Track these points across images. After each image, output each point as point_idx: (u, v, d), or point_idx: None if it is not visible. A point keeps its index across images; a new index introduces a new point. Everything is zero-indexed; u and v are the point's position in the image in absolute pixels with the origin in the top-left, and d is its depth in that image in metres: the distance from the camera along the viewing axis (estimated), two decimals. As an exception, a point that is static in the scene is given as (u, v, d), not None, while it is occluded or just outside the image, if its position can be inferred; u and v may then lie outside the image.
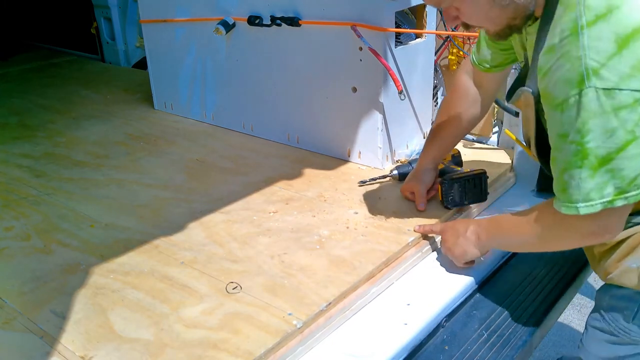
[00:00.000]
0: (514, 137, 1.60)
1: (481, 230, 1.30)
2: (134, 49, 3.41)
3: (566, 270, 1.38)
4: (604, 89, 0.91)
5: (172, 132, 2.27)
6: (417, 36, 1.86)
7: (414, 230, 1.44)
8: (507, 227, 1.25)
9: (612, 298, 1.22)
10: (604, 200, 0.97)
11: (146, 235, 1.49)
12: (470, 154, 1.90)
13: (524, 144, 1.30)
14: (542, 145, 1.18)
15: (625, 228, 1.12)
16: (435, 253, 1.46)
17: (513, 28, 1.09)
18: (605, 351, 1.25)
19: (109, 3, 3.31)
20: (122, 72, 3.29)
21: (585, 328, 1.30)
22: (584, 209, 0.99)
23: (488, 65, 1.42)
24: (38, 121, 2.44)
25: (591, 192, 0.98)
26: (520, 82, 1.22)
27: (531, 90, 1.11)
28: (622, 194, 0.97)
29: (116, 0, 3.32)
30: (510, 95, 1.26)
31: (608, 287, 1.22)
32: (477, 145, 1.99)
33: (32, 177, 1.88)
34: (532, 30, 1.11)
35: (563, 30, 0.96)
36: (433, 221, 1.49)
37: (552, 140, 1.04)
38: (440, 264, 1.41)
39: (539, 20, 1.06)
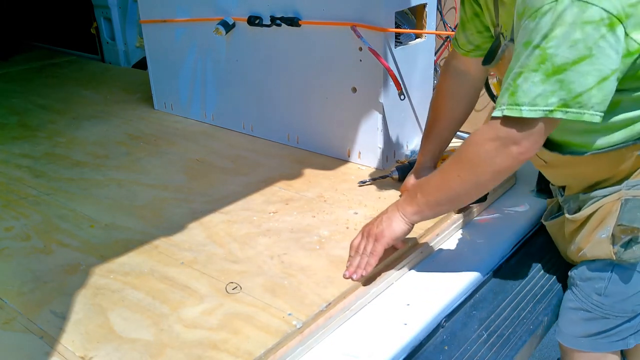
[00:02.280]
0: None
1: (402, 203, 1.24)
2: (134, 49, 3.41)
3: (566, 270, 1.38)
4: (578, 0, 0.94)
5: (172, 132, 2.27)
6: (417, 36, 1.86)
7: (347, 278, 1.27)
8: (432, 183, 1.20)
9: (583, 273, 1.27)
10: (546, 108, 0.99)
11: (146, 236, 1.49)
12: (470, 154, 1.89)
13: None
14: None
15: (592, 203, 1.18)
16: (435, 253, 1.46)
17: None
18: (580, 329, 1.31)
19: (109, 3, 3.31)
20: (122, 72, 3.29)
21: (560, 312, 1.35)
22: (527, 112, 1.00)
23: (471, 47, 1.43)
24: (38, 121, 2.44)
25: (537, 97, 0.99)
26: (495, 49, 1.26)
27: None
28: (564, 107, 0.98)
29: (116, 0, 3.32)
30: (489, 59, 1.29)
31: (580, 264, 1.28)
32: (477, 145, 1.98)
33: (32, 177, 1.88)
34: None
35: None
36: (432, 222, 1.49)
37: (515, 52, 1.04)
38: (441, 264, 1.41)
39: None
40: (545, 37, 0.97)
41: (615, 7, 0.94)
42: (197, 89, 2.32)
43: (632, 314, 1.25)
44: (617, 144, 1.11)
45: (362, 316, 1.24)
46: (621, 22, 0.95)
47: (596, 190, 1.18)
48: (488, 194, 1.57)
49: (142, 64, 3.21)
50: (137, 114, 2.49)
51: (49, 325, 1.16)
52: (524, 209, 1.67)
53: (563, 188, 1.33)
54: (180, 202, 1.68)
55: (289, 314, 1.16)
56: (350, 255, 1.30)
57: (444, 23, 2.10)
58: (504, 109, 1.03)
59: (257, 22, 1.96)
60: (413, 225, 1.26)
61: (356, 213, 1.56)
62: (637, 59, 1.00)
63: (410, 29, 1.87)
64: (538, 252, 1.55)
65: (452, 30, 1.92)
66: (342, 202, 1.63)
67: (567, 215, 1.27)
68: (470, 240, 1.53)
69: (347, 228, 1.49)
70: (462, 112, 1.54)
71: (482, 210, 1.65)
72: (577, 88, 0.96)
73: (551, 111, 0.98)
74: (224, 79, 2.20)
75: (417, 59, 1.85)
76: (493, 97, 1.60)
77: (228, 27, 2.04)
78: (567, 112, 0.98)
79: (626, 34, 0.96)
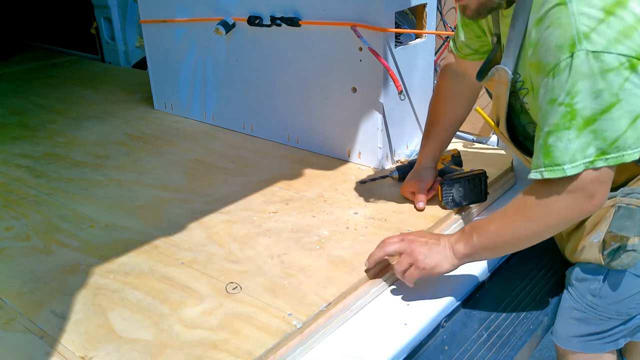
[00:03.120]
0: (484, 115, 1.60)
1: (455, 242, 1.20)
2: (134, 49, 3.41)
3: (566, 270, 1.38)
4: (593, 51, 0.96)
5: (172, 132, 2.27)
6: (417, 36, 1.86)
7: (365, 269, 1.28)
8: (492, 229, 1.17)
9: (578, 274, 1.27)
10: (586, 160, 1.00)
11: (146, 236, 1.49)
12: (470, 154, 1.90)
13: (494, 122, 1.33)
14: (510, 124, 1.27)
15: None
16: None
17: (492, 7, 1.15)
18: (574, 329, 1.31)
19: (109, 3, 3.31)
20: (122, 72, 3.29)
21: (557, 311, 1.35)
22: (570, 169, 1.01)
23: (469, 50, 1.44)
24: (38, 121, 2.44)
25: (576, 153, 1.00)
26: (491, 62, 1.28)
27: (507, 68, 1.16)
28: (603, 155, 1.00)
29: (116, 0, 3.32)
30: (481, 75, 1.30)
31: (575, 264, 1.29)
32: (477, 145, 1.99)
33: (32, 177, 1.88)
34: (508, 12, 1.16)
35: (548, 1, 1.01)
36: (432, 222, 1.49)
37: (541, 110, 1.05)
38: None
39: (514, 3, 1.12)
40: (569, 93, 0.98)
41: (631, 48, 0.95)
42: (197, 89, 2.32)
43: (626, 317, 1.25)
44: None
45: (362, 316, 1.24)
46: None
47: None
48: (488, 193, 1.58)
49: (142, 64, 3.21)
50: (137, 114, 2.49)
51: (49, 325, 1.16)
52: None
53: None
54: (180, 202, 1.68)
55: (289, 314, 1.16)
56: (376, 249, 1.26)
57: (444, 23, 2.10)
58: (543, 171, 1.05)
59: (257, 22, 1.96)
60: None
61: (356, 213, 1.56)
62: None
63: (410, 29, 1.87)
64: (538, 252, 1.55)
65: (452, 30, 1.92)
66: (342, 202, 1.63)
67: None
68: (470, 240, 1.53)
69: (347, 228, 1.49)
70: (461, 112, 1.55)
71: (482, 210, 1.65)
72: (612, 135, 0.98)
73: (592, 162, 1.00)
74: (224, 79, 2.20)
75: (417, 59, 1.85)
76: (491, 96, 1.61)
77: (228, 27, 2.04)
78: (607, 159, 1.00)
79: None
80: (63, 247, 1.45)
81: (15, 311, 1.21)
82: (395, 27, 1.72)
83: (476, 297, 1.37)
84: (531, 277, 1.46)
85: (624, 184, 1.18)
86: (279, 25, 1.91)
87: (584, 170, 1.01)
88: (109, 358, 1.07)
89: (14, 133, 2.31)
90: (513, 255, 1.52)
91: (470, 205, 1.58)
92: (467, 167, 1.64)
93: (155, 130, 2.29)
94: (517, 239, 1.16)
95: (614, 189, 1.16)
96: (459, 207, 1.55)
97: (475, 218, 1.62)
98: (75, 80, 3.11)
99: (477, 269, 1.39)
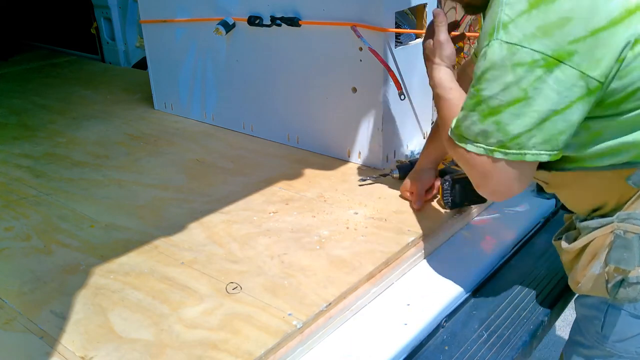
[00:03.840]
0: None
1: (434, 75, 1.26)
2: (134, 49, 3.41)
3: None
4: (507, 42, 0.95)
5: (172, 132, 2.27)
6: (417, 36, 1.86)
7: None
8: (445, 103, 1.21)
9: (582, 307, 1.21)
10: (487, 147, 1.01)
11: (146, 236, 1.49)
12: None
13: None
14: None
15: (585, 234, 1.11)
16: (435, 253, 1.46)
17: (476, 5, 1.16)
18: None
19: (109, 3, 3.31)
20: (122, 72, 3.29)
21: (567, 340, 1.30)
22: (470, 146, 1.04)
23: None
24: (38, 121, 2.44)
25: (478, 136, 1.02)
26: None
27: None
28: (503, 148, 0.99)
29: (116, 0, 3.32)
30: None
31: (580, 297, 1.22)
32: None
33: (32, 177, 1.88)
34: None
35: None
36: (432, 222, 1.49)
37: None
38: (441, 265, 1.41)
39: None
40: (479, 79, 1.00)
41: (548, 47, 0.92)
42: (197, 89, 2.32)
43: (637, 356, 1.16)
44: (604, 166, 1.06)
45: (362, 316, 1.24)
46: (561, 62, 0.92)
47: (592, 219, 1.11)
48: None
49: (142, 64, 3.21)
50: (137, 114, 2.49)
51: (49, 325, 1.16)
52: (523, 209, 1.67)
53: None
54: (180, 202, 1.68)
55: (289, 314, 1.15)
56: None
57: (444, 23, 2.09)
58: (451, 132, 1.08)
59: (257, 22, 1.96)
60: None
61: (356, 213, 1.56)
62: (604, 93, 0.96)
63: (410, 29, 1.87)
64: (538, 251, 1.55)
65: (452, 30, 1.91)
66: (342, 202, 1.63)
67: (562, 245, 1.18)
68: (470, 240, 1.53)
69: (347, 228, 1.49)
70: None
71: (482, 210, 1.65)
72: (514, 129, 0.97)
73: (492, 150, 1.00)
74: (224, 79, 2.20)
75: (417, 59, 1.84)
76: None
77: (228, 27, 2.04)
78: (507, 153, 0.99)
79: (582, 73, 0.92)
80: (63, 247, 1.45)
81: (15, 311, 1.21)
82: (395, 27, 1.72)
83: (476, 297, 1.37)
84: (532, 277, 1.46)
85: (619, 208, 1.07)
86: (279, 25, 1.91)
87: (482, 155, 1.02)
88: (109, 358, 1.07)
89: (14, 133, 2.31)
90: (513, 254, 1.52)
91: (471, 205, 1.58)
92: (467, 167, 1.64)
93: (155, 130, 2.29)
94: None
95: (609, 212, 1.08)
96: (460, 207, 1.55)
97: (476, 218, 1.63)
98: (75, 80, 3.11)
99: (478, 269, 1.39)
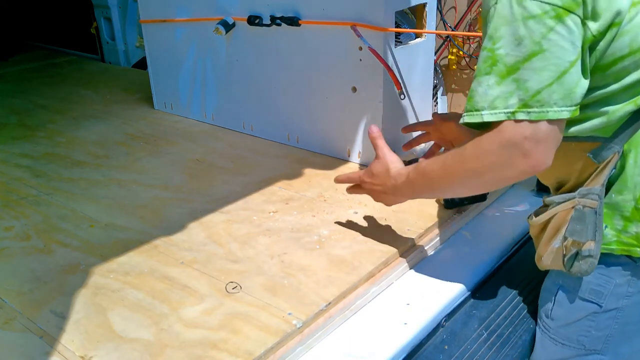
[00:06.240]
0: None
1: (402, 188, 1.24)
2: (134, 49, 3.41)
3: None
4: None
5: (172, 132, 2.27)
6: (417, 36, 1.86)
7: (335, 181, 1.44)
8: (432, 175, 1.16)
9: (542, 292, 1.24)
10: (507, 110, 0.96)
11: (146, 235, 1.49)
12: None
13: None
14: None
15: (549, 208, 1.13)
16: (435, 253, 1.46)
17: None
18: (545, 355, 1.25)
19: (109, 3, 3.31)
20: (122, 72, 3.29)
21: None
22: (487, 115, 0.97)
23: None
24: (38, 121, 2.44)
25: (496, 100, 0.97)
26: None
27: None
28: (525, 107, 0.95)
29: (116, 0, 3.32)
30: None
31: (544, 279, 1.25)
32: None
33: (32, 177, 1.88)
34: None
35: None
36: (432, 221, 1.49)
37: None
38: (440, 264, 1.41)
39: None
40: (491, 38, 0.97)
41: None
42: (197, 89, 2.32)
43: (578, 346, 1.18)
44: (568, 137, 1.06)
45: (362, 316, 1.24)
46: (571, 12, 0.91)
47: (557, 195, 1.13)
48: (488, 193, 1.57)
49: (142, 64, 3.21)
50: (137, 114, 2.49)
51: (49, 325, 1.16)
52: (523, 208, 1.67)
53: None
54: (180, 202, 1.68)
55: (289, 314, 1.16)
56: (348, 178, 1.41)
57: (444, 23, 2.10)
58: (465, 116, 1.01)
59: (257, 22, 1.96)
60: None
61: (356, 213, 1.56)
62: (588, 49, 0.96)
63: (410, 28, 1.87)
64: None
65: (452, 30, 1.92)
66: (342, 202, 1.63)
67: (530, 220, 1.21)
68: (470, 240, 1.53)
69: (347, 228, 1.48)
70: None
71: (482, 210, 1.65)
72: (535, 85, 0.94)
73: (513, 112, 0.95)
74: (224, 79, 2.20)
75: (417, 58, 1.85)
76: None
77: (228, 26, 2.04)
78: (529, 112, 0.94)
79: (583, 23, 0.93)
80: (63, 247, 1.45)
81: (15, 311, 1.21)
82: (395, 27, 1.72)
83: (476, 296, 1.37)
84: (531, 276, 1.46)
85: (581, 184, 1.10)
86: (279, 25, 1.91)
87: (504, 121, 0.96)
88: (109, 358, 1.07)
89: (14, 133, 2.31)
90: (513, 254, 1.52)
91: (470, 205, 1.58)
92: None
93: (155, 130, 2.29)
94: (453, 187, 1.16)
95: (573, 187, 1.11)
96: (459, 206, 1.55)
97: (476, 218, 1.62)
98: (75, 80, 3.11)
99: (477, 268, 1.39)
